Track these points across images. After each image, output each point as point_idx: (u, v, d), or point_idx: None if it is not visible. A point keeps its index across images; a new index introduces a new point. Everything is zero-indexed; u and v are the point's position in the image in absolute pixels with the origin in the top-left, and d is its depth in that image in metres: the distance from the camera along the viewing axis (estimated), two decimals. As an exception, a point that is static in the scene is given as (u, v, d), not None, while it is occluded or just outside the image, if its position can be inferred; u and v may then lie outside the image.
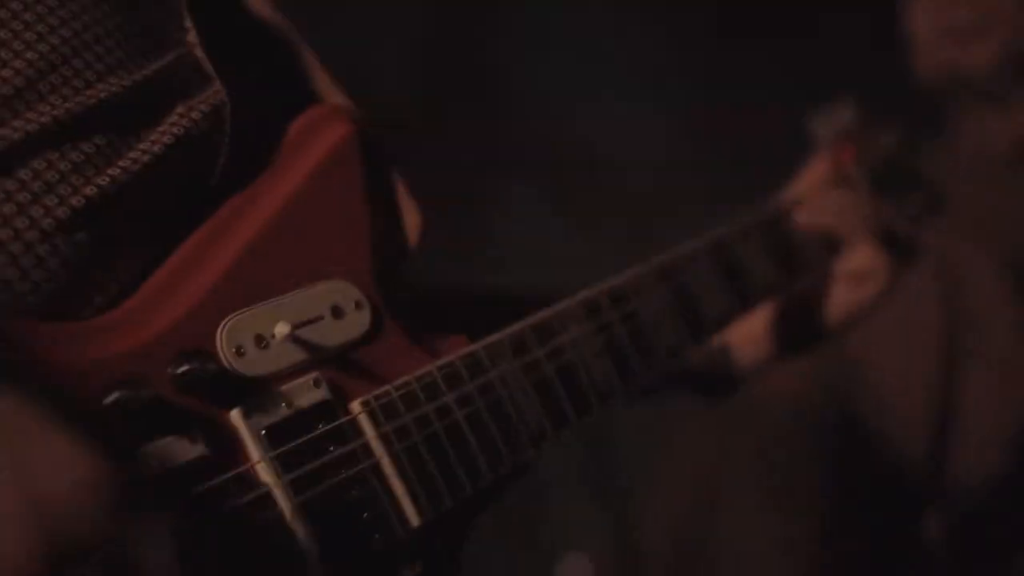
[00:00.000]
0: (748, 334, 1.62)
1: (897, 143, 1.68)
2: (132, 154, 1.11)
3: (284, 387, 1.11)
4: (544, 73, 3.00)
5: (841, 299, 1.57)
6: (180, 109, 1.15)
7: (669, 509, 2.37)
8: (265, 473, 1.07)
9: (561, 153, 2.96)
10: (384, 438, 1.13)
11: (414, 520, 1.13)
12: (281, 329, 1.11)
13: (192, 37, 1.18)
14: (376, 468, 1.13)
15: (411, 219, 1.25)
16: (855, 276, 1.56)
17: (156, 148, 1.12)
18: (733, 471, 2.24)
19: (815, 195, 1.57)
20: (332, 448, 1.11)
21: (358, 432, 1.13)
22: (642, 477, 2.52)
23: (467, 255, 2.82)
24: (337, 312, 1.16)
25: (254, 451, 1.07)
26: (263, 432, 1.08)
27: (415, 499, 1.13)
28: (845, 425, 2.18)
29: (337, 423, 1.12)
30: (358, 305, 1.17)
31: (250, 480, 1.07)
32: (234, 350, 1.09)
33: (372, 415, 1.14)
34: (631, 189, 2.97)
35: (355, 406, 1.14)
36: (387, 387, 1.15)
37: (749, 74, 2.94)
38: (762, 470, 2.22)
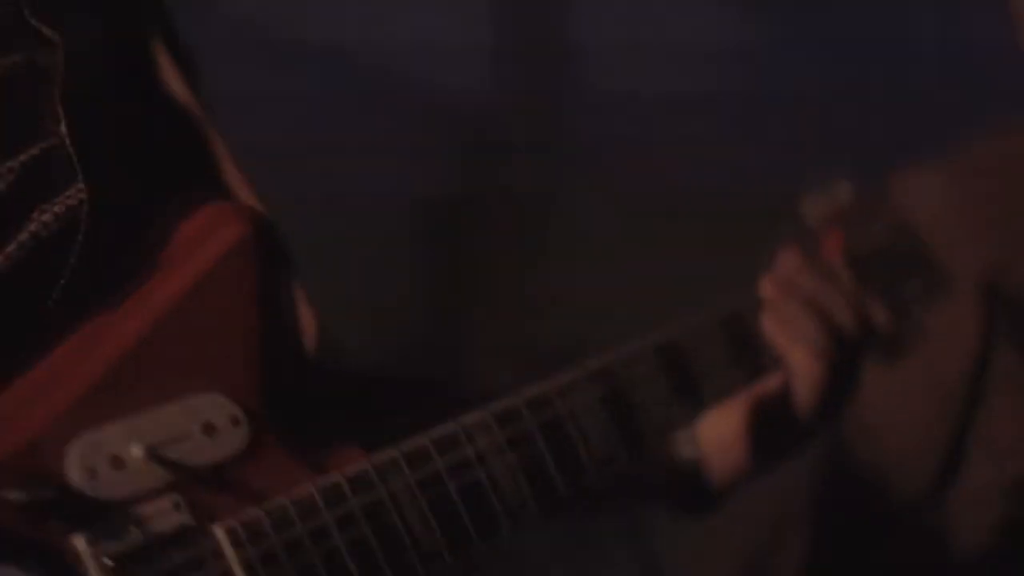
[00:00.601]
0: (718, 442, 1.50)
1: (891, 227, 1.56)
2: None
3: (139, 510, 1.05)
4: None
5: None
6: (35, 212, 1.10)
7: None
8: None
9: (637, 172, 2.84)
10: (247, 566, 1.07)
11: None
12: (135, 451, 1.05)
13: (63, 128, 1.12)
14: None
15: (308, 327, 1.19)
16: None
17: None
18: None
19: (778, 295, 1.46)
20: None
21: (219, 559, 1.06)
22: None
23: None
24: (209, 429, 1.10)
25: (97, 580, 1.02)
26: (108, 561, 1.02)
27: None
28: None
29: (195, 550, 1.06)
30: (235, 421, 1.11)
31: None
32: (86, 472, 1.04)
33: (236, 540, 1.07)
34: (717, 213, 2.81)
35: (217, 530, 1.07)
36: (256, 510, 1.09)
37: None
38: None
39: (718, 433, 1.49)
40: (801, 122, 2.68)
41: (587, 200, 2.76)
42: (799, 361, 1.42)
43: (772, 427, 1.48)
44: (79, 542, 1.02)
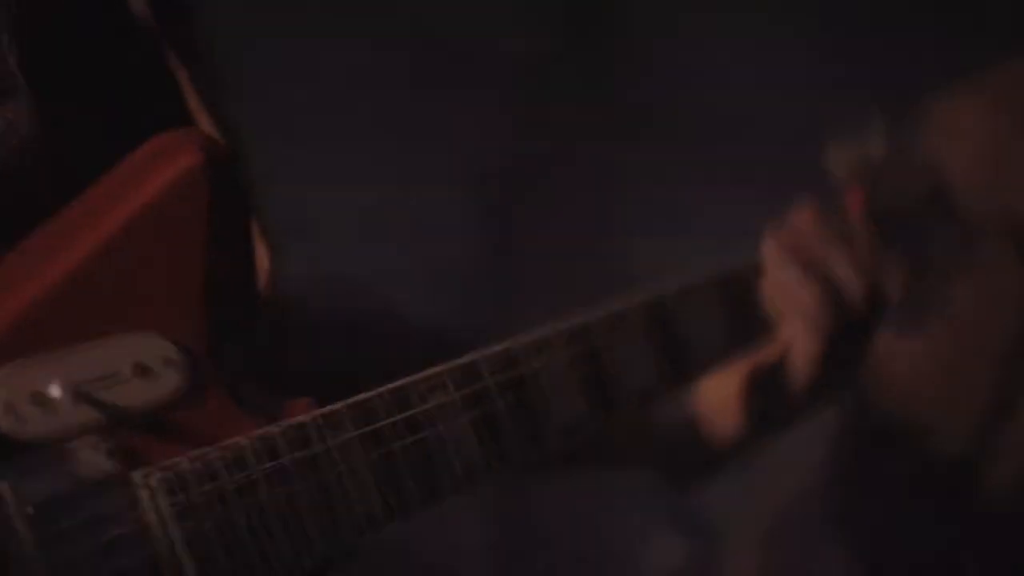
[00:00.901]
0: (716, 404, 1.42)
1: (923, 178, 1.44)
2: None
3: (66, 454, 1.01)
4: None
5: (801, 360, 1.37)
6: None
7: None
8: (31, 554, 0.98)
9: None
10: (160, 517, 1.02)
11: None
12: (57, 389, 1.01)
13: (13, 60, 1.08)
14: (154, 557, 1.02)
15: (262, 266, 1.14)
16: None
17: None
18: None
19: (780, 258, 1.35)
20: (108, 528, 1.01)
21: (133, 508, 1.03)
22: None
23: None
24: (140, 370, 1.05)
25: (20, 528, 0.98)
26: (30, 510, 0.99)
27: None
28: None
29: (113, 498, 1.02)
30: (168, 363, 1.06)
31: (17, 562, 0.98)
32: (6, 409, 1.00)
33: (153, 489, 1.03)
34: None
35: (136, 477, 1.03)
36: (181, 459, 1.05)
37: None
38: None
39: (716, 395, 1.41)
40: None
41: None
42: (793, 334, 1.33)
43: (769, 396, 1.40)
44: (3, 487, 0.98)
